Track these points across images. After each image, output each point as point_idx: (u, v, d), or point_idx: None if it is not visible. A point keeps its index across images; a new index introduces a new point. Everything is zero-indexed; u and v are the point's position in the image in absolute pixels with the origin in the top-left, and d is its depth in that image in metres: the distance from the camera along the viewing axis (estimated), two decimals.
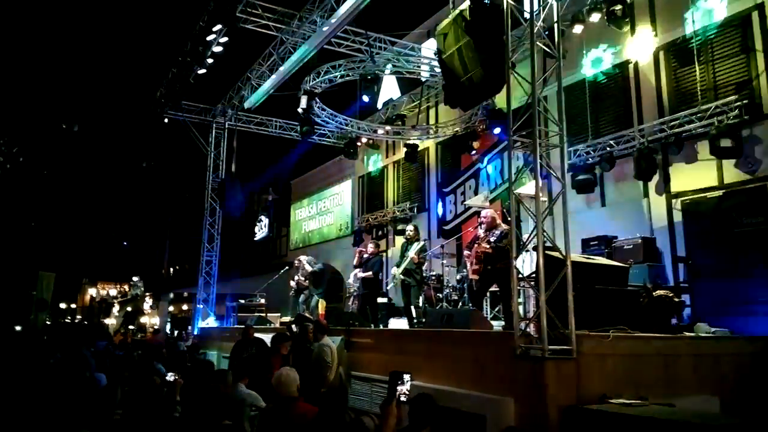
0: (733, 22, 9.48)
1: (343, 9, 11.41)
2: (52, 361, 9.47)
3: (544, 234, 5.82)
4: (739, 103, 8.83)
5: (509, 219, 6.27)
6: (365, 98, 13.88)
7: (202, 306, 17.18)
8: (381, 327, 10.25)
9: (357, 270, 11.41)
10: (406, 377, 3.49)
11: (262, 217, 24.84)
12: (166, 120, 16.97)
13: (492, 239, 7.59)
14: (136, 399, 5.84)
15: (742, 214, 8.09)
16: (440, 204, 15.85)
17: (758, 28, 9.09)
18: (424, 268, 10.36)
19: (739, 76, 9.35)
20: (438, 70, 12.89)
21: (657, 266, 9.49)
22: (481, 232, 7.94)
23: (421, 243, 10.12)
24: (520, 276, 6.17)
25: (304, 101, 13.56)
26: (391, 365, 7.35)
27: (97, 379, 7.62)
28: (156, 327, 26.69)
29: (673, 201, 10.03)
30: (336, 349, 7.66)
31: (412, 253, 9.74)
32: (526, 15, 6.80)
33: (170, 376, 6.37)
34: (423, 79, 15.05)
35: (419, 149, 16.23)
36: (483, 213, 8.14)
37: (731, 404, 5.69)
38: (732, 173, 9.20)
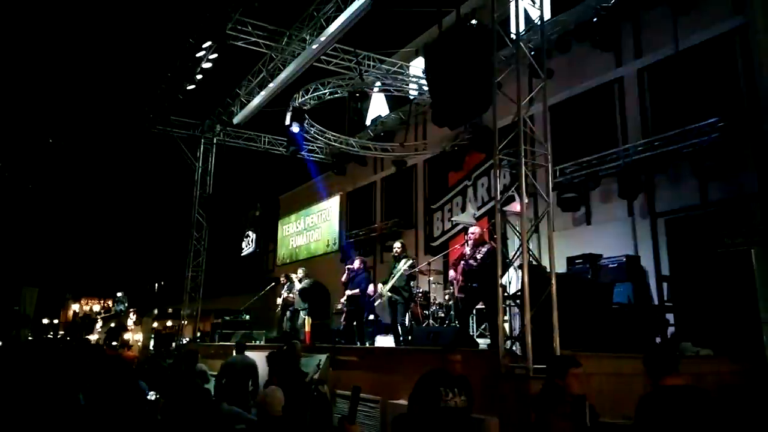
0: (715, 43, 9.62)
1: (333, 27, 11.51)
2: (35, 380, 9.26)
3: (530, 252, 5.85)
4: (722, 124, 8.93)
5: (495, 236, 6.31)
6: None
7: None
8: (367, 344, 10.20)
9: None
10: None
11: (249, 233, 24.72)
12: (153, 133, 16.91)
13: (479, 256, 7.62)
14: (118, 418, 5.75)
15: (724, 233, 8.14)
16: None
17: (740, 50, 9.24)
18: (411, 284, 10.30)
19: (722, 96, 9.47)
20: (426, 88, 13.05)
21: (641, 285, 9.50)
22: (467, 249, 7.97)
23: (410, 260, 10.05)
24: (506, 294, 6.20)
25: (295, 125, 13.64)
26: (377, 383, 7.35)
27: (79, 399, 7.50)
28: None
29: (658, 220, 10.12)
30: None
31: (403, 266, 9.65)
32: (513, 36, 6.91)
33: (151, 395, 6.29)
34: (411, 97, 15.15)
35: (407, 166, 16.32)
36: (470, 230, 8.17)
37: None
38: (715, 192, 9.29)
